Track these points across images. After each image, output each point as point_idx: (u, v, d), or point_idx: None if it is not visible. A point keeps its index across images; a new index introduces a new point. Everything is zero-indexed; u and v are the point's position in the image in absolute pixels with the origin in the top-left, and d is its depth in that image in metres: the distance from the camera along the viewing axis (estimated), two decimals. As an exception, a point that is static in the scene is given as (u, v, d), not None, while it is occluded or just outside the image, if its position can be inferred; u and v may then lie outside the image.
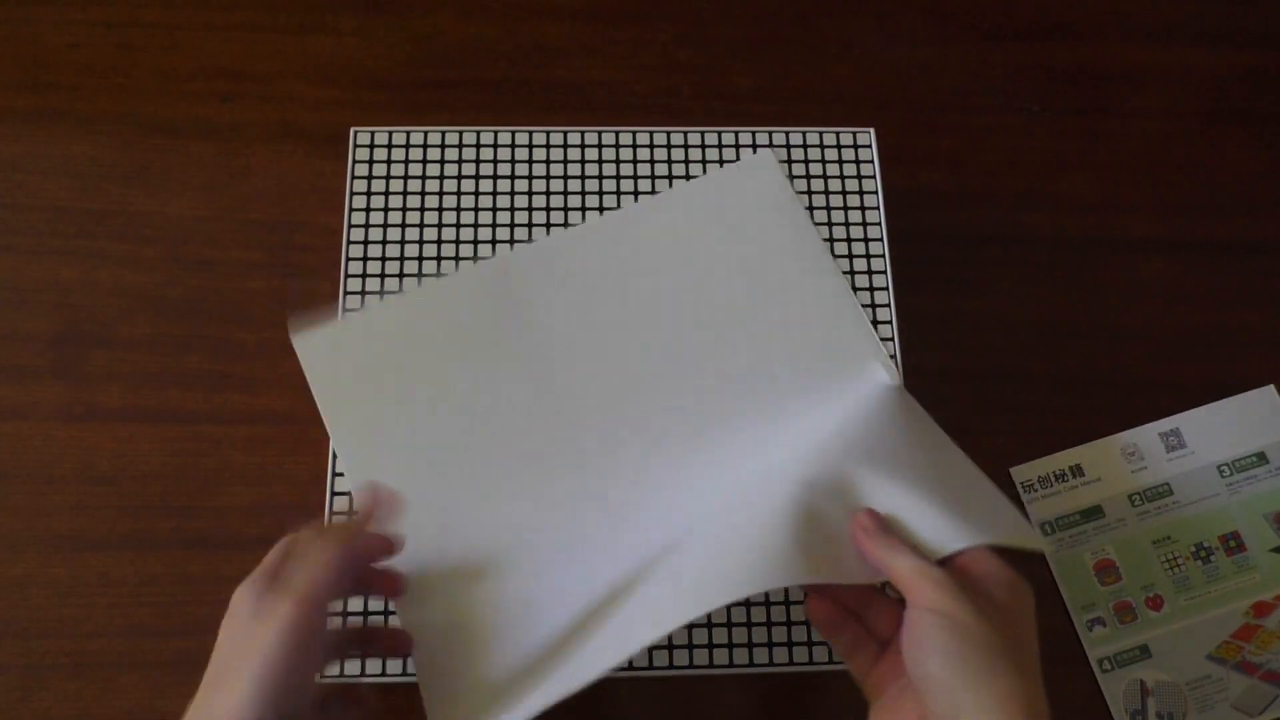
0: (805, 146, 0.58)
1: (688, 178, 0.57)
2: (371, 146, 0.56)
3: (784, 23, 0.69)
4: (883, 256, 0.56)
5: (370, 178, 0.56)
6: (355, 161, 0.56)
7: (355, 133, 0.56)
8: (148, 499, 0.56)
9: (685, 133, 0.58)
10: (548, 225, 0.55)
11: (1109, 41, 0.70)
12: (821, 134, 0.58)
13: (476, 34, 0.68)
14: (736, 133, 0.58)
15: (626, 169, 0.57)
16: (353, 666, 0.48)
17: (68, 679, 0.53)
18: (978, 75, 0.69)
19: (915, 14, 0.70)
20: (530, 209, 0.56)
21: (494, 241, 0.55)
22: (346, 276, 0.53)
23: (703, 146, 0.58)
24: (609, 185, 0.57)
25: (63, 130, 0.63)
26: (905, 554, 0.39)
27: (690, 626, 0.48)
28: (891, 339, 0.54)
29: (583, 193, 0.56)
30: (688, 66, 0.68)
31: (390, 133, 0.57)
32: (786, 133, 0.58)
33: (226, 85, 0.65)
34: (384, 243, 0.55)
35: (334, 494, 0.50)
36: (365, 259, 0.54)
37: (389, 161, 0.56)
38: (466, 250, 0.55)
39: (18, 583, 0.54)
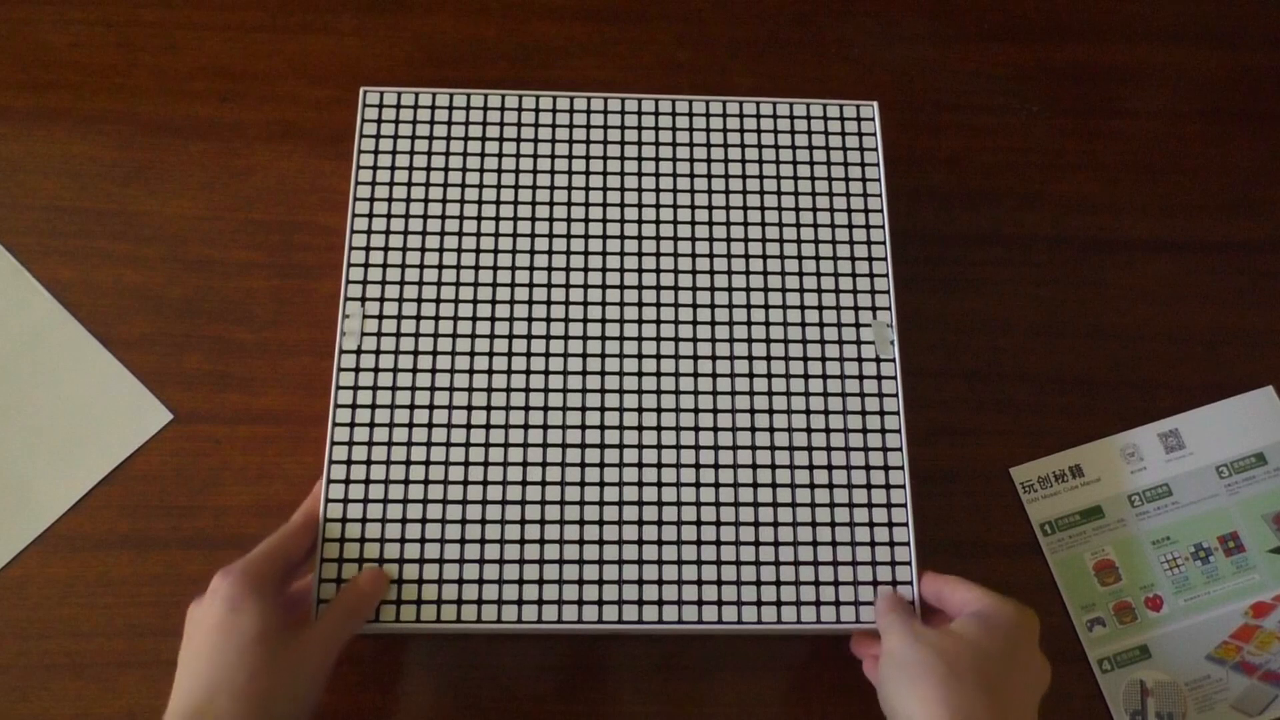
0: (809, 118, 0.58)
1: (709, 147, 0.58)
2: (380, 106, 0.57)
3: (784, 23, 0.69)
4: (884, 244, 0.56)
5: (379, 136, 0.56)
6: (364, 120, 0.56)
7: (365, 92, 0.57)
8: (147, 498, 0.56)
9: (707, 101, 0.59)
10: (569, 204, 0.56)
11: (1109, 41, 0.70)
12: (825, 105, 0.59)
13: (476, 34, 0.68)
14: (741, 102, 0.59)
15: (631, 137, 0.58)
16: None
17: (67, 679, 0.53)
18: (978, 75, 0.69)
19: (915, 14, 0.70)
20: (552, 184, 0.56)
21: (498, 202, 0.55)
22: (350, 249, 0.54)
23: (706, 115, 0.58)
24: (614, 164, 0.57)
25: (62, 130, 0.63)
26: (894, 616, 0.48)
27: (681, 582, 0.49)
28: (890, 325, 0.54)
29: (604, 171, 0.57)
30: (688, 66, 0.68)
31: (399, 93, 0.57)
32: (790, 104, 0.59)
33: (226, 85, 0.65)
34: (389, 215, 0.55)
35: (330, 481, 0.50)
36: (369, 237, 0.54)
37: (397, 121, 0.57)
38: (471, 211, 0.55)
39: (17, 583, 0.54)
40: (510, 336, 0.53)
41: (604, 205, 0.56)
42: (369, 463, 0.50)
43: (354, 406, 0.51)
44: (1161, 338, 0.62)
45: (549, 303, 0.54)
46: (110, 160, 0.63)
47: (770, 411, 0.52)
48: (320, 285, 0.60)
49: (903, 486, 0.52)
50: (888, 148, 0.59)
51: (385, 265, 0.54)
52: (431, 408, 0.51)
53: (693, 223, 0.56)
